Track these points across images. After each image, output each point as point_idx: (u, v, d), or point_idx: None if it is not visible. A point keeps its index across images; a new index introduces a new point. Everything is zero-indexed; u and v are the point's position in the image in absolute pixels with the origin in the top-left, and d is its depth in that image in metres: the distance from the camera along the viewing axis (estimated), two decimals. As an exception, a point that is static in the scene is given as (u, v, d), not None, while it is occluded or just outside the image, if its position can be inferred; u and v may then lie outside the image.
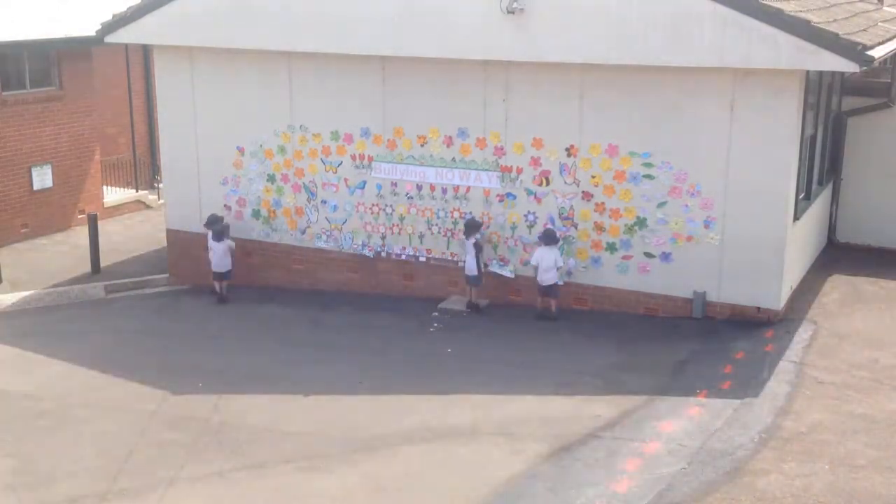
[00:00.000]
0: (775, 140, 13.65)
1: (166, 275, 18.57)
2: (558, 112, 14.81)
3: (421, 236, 16.22)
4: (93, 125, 22.12)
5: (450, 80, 15.41)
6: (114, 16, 17.63)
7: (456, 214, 15.87)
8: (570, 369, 13.10)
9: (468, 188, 15.71)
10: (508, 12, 13.99)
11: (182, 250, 18.31)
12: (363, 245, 16.68)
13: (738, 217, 14.03)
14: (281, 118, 16.92)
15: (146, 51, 24.22)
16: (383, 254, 16.59)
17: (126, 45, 22.33)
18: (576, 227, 15.10)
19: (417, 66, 15.55)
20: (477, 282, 15.51)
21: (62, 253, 20.07)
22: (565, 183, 15.04)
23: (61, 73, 21.18)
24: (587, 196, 14.93)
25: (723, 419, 11.24)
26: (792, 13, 12.79)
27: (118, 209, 23.13)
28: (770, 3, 12.88)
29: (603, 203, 14.84)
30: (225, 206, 17.75)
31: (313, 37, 15.64)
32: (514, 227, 15.51)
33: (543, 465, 10.40)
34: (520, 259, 15.55)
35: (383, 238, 16.54)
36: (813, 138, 15.39)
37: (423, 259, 16.29)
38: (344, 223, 16.79)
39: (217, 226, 16.96)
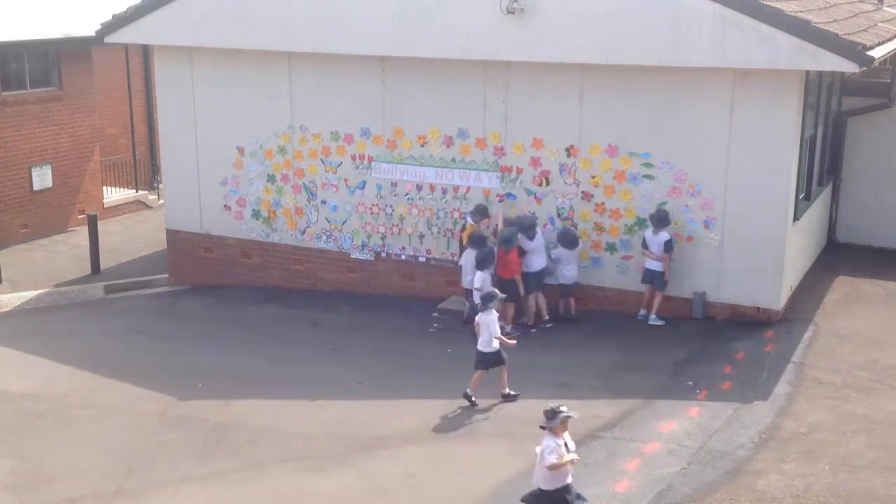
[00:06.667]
0: (775, 140, 13.65)
1: (166, 275, 18.57)
2: (558, 112, 14.81)
3: (421, 236, 16.21)
4: (93, 125, 22.12)
5: (450, 80, 15.41)
6: (114, 16, 17.63)
7: (456, 214, 15.86)
8: (570, 369, 13.10)
9: (468, 188, 15.71)
10: (508, 12, 13.99)
11: (182, 250, 18.30)
12: (363, 246, 16.67)
13: (738, 217, 14.03)
14: (281, 118, 16.92)
15: (146, 51, 24.22)
16: (383, 254, 16.59)
17: (126, 45, 22.32)
18: (576, 227, 15.09)
19: (417, 66, 15.54)
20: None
21: (62, 253, 20.07)
22: (565, 183, 15.04)
23: (61, 73, 21.18)
24: (587, 196, 14.93)
25: (723, 419, 11.24)
26: (792, 13, 12.79)
27: (118, 209, 23.13)
28: (770, 3, 12.88)
29: (603, 203, 14.84)
30: (225, 206, 17.75)
31: (313, 37, 15.63)
32: (514, 228, 15.49)
33: (543, 466, 10.40)
34: (520, 259, 15.53)
35: (383, 238, 16.54)
36: (813, 138, 15.38)
37: (423, 259, 16.28)
38: (344, 223, 16.79)
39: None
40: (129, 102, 24.55)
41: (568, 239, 14.60)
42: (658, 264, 14.18)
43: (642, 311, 14.55)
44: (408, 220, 16.26)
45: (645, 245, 14.27)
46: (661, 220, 14.05)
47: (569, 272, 14.67)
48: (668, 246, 14.03)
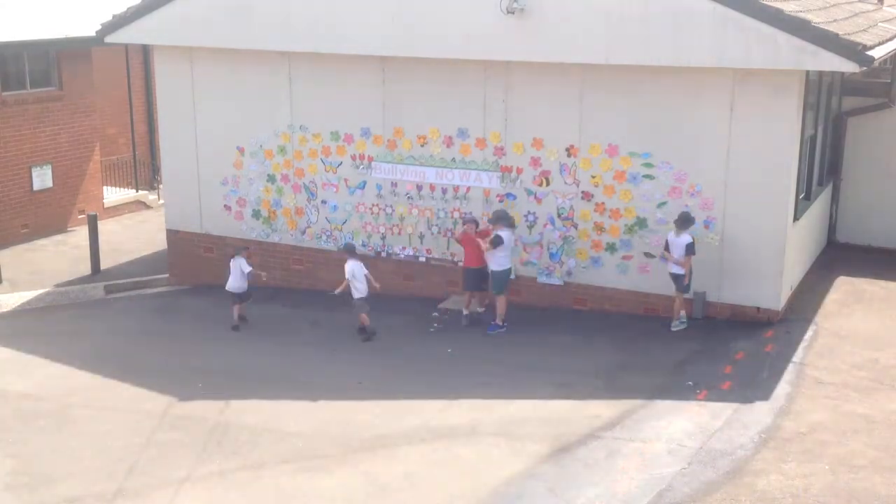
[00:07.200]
0: (775, 140, 13.65)
1: (166, 275, 18.57)
2: (558, 112, 14.81)
3: (421, 236, 16.22)
4: (93, 125, 22.12)
5: (450, 80, 15.41)
6: (114, 16, 17.63)
7: (456, 214, 15.86)
8: (570, 369, 13.10)
9: (468, 188, 15.71)
10: (508, 12, 13.99)
11: (182, 250, 18.30)
12: (363, 246, 16.67)
13: (738, 217, 14.03)
14: (281, 118, 16.93)
15: (146, 51, 24.23)
16: (383, 254, 16.59)
17: (126, 45, 22.32)
18: (576, 227, 15.09)
19: (417, 66, 15.54)
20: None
21: (62, 253, 20.07)
22: (565, 183, 15.04)
23: (61, 73, 21.18)
24: (587, 196, 14.93)
25: (723, 419, 11.24)
26: (792, 13, 12.79)
27: (118, 209, 23.13)
28: (770, 3, 12.88)
29: (603, 203, 14.84)
30: (225, 206, 17.75)
31: (313, 37, 15.64)
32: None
33: (543, 465, 10.40)
34: (519, 259, 15.52)
35: (383, 238, 16.54)
36: (813, 138, 15.38)
37: (423, 259, 16.29)
38: (344, 223, 16.80)
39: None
40: (129, 102, 24.55)
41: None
42: (678, 268, 13.98)
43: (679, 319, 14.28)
44: (408, 220, 16.27)
45: (667, 248, 14.10)
46: (682, 221, 13.84)
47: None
48: (690, 248, 13.85)
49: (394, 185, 16.25)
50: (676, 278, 14.06)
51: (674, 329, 14.14)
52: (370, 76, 15.98)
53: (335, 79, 16.30)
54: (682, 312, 14.22)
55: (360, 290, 14.88)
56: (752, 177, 13.83)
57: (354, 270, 14.88)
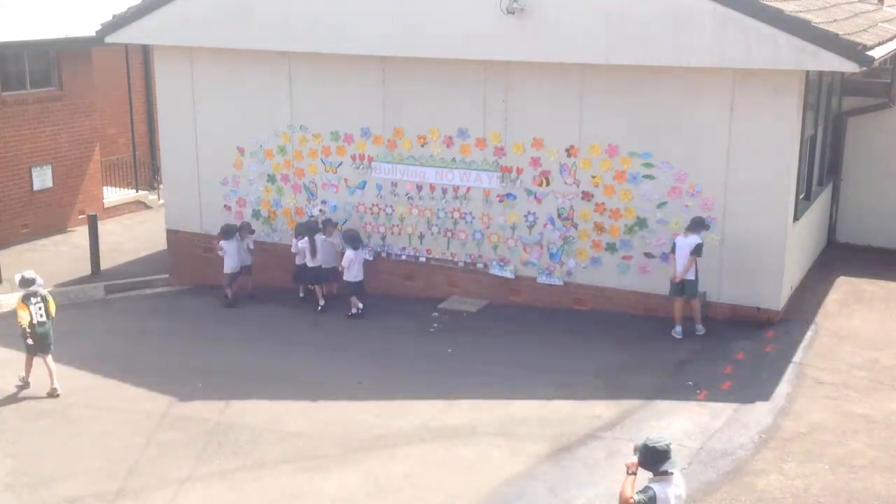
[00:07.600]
0: (775, 140, 13.65)
1: (166, 275, 18.57)
2: (558, 112, 14.81)
3: (421, 236, 16.22)
4: (93, 125, 22.12)
5: (450, 80, 15.41)
6: (114, 16, 17.64)
7: (456, 215, 15.87)
8: (570, 369, 13.10)
9: (468, 188, 15.71)
10: (508, 12, 13.99)
11: (182, 251, 18.30)
12: (363, 246, 16.66)
13: (739, 217, 14.03)
14: (281, 118, 16.93)
15: (146, 51, 24.22)
16: (383, 254, 16.59)
17: (126, 45, 22.32)
18: (576, 228, 15.09)
19: (417, 66, 15.54)
20: None
21: (62, 253, 20.07)
22: (565, 183, 15.04)
23: (61, 73, 21.17)
24: (587, 196, 14.93)
25: (723, 419, 11.24)
26: (792, 13, 12.79)
27: (118, 209, 23.13)
28: (770, 3, 12.88)
29: (603, 203, 14.84)
30: (225, 206, 17.75)
31: (313, 37, 15.64)
32: (514, 228, 15.50)
33: (543, 465, 10.41)
34: (520, 259, 15.54)
35: (383, 238, 16.54)
36: (813, 138, 15.38)
37: (423, 259, 16.29)
38: (344, 223, 16.79)
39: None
40: (129, 102, 24.54)
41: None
42: (689, 273, 13.67)
43: (677, 328, 13.93)
44: (408, 220, 16.27)
45: (673, 250, 13.87)
46: (695, 225, 13.58)
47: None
48: (697, 249, 13.56)
49: (394, 185, 16.25)
50: (685, 282, 13.91)
51: (698, 334, 13.91)
52: (370, 76, 15.99)
53: (335, 79, 16.30)
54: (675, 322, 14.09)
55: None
56: (752, 177, 13.83)
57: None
